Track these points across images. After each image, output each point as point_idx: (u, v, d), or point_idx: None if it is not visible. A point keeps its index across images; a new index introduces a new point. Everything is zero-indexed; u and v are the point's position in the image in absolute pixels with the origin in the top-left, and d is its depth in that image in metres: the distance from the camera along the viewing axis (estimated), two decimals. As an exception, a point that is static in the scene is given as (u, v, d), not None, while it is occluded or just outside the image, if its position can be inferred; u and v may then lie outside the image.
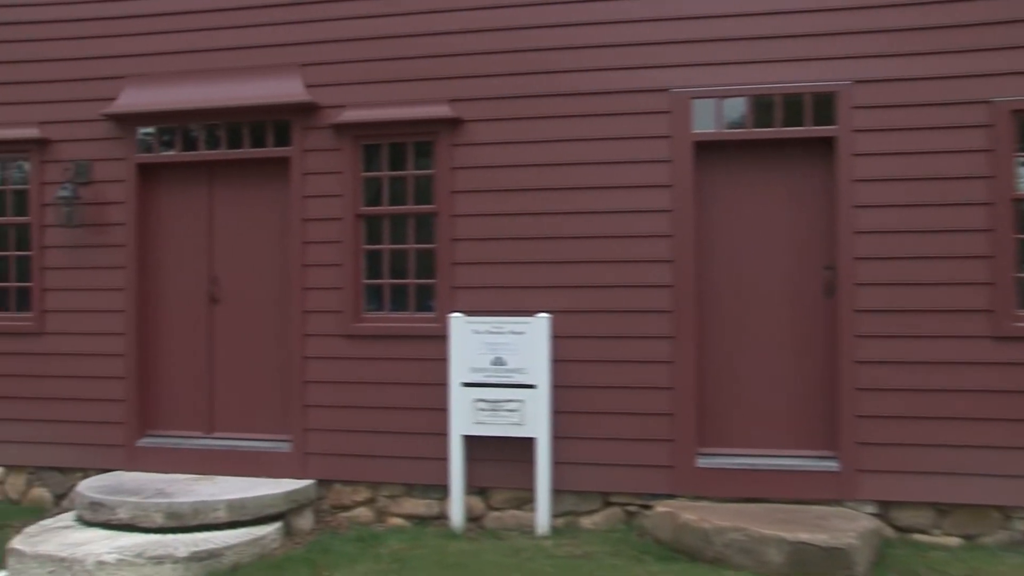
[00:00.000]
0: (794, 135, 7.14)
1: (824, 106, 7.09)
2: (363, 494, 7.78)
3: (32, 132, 8.40)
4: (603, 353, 7.36)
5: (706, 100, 7.25)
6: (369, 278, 7.87)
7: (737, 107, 7.21)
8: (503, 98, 7.59)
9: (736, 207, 7.35)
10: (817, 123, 7.11)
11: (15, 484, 8.49)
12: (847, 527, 6.34)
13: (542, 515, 7.20)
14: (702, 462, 7.20)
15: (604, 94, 7.41)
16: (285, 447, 7.90)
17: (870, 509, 6.96)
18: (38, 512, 8.14)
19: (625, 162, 7.34)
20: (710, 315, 7.38)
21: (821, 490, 7.00)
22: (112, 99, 8.30)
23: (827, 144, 7.15)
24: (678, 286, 7.24)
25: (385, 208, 7.78)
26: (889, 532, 6.94)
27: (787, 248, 7.30)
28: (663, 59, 7.32)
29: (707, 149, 7.33)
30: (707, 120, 7.24)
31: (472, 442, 7.45)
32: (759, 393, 7.32)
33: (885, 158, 6.99)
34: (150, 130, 8.23)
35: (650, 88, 7.33)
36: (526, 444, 7.33)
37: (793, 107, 7.15)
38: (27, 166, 8.52)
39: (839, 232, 7.03)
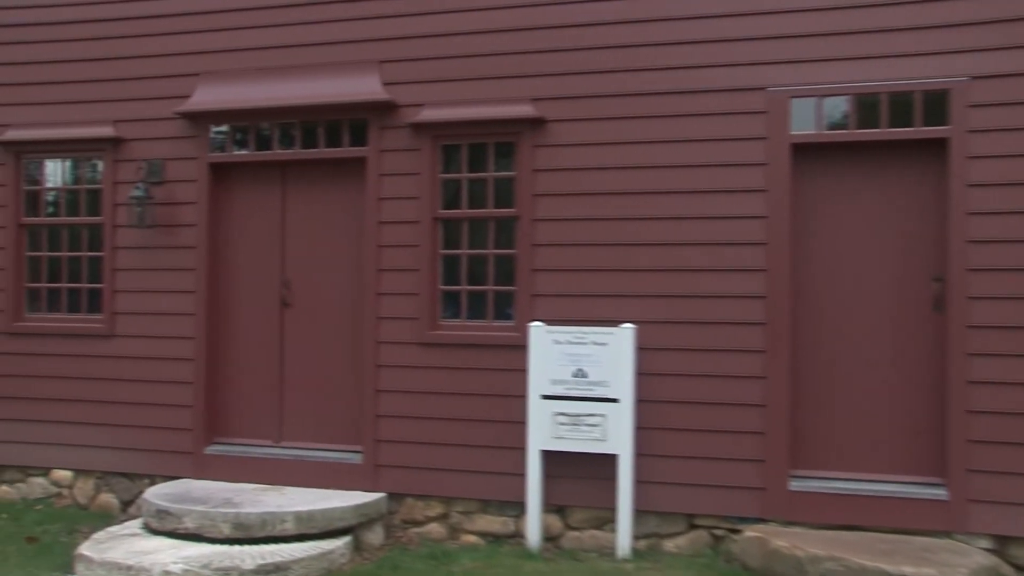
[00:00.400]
0: (902, 136, 6.77)
1: (936, 105, 6.72)
2: (436, 509, 7.61)
3: (107, 131, 8.40)
4: (690, 367, 7.08)
5: (806, 99, 6.92)
6: (446, 284, 7.70)
7: (839, 107, 6.88)
8: (588, 97, 7.36)
9: (836, 214, 7.01)
10: (928, 123, 6.73)
11: (84, 489, 8.49)
12: (958, 562, 5.96)
13: (623, 536, 6.96)
14: (795, 485, 6.87)
15: (696, 93, 7.13)
16: (356, 458, 7.77)
17: (984, 544, 6.54)
18: (105, 518, 8.13)
19: (717, 165, 7.06)
20: (806, 328, 7.05)
21: (926, 520, 6.61)
22: (186, 97, 8.27)
23: (938, 146, 6.77)
24: (772, 297, 6.92)
25: (464, 211, 7.62)
26: (1008, 571, 6.44)
27: (892, 258, 6.93)
28: (760, 56, 7.02)
29: (806, 152, 7.01)
30: (806, 121, 6.92)
31: (551, 457, 7.23)
32: (858, 413, 6.96)
33: (1005, 160, 6.59)
34: (223, 129, 8.17)
35: (746, 87, 7.03)
36: (607, 461, 7.10)
37: (901, 106, 6.79)
38: (101, 165, 8.53)
39: (950, 241, 6.64)
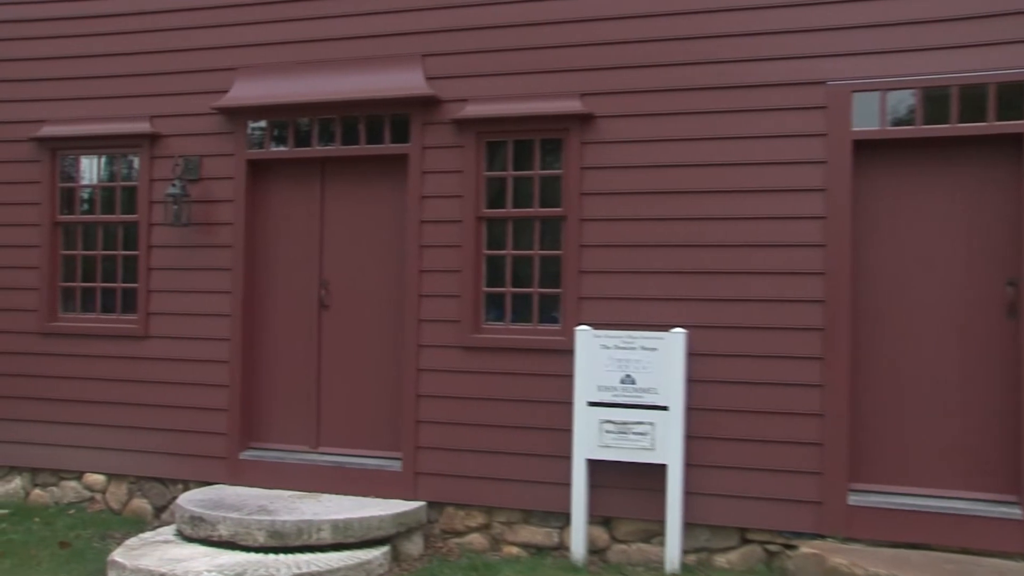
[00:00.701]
0: (973, 132, 6.49)
1: (1011, 97, 6.43)
2: (477, 519, 7.44)
3: (143, 126, 8.34)
4: (743, 374, 6.86)
5: (868, 94, 6.67)
6: (490, 286, 7.55)
7: (905, 101, 6.62)
8: (639, 92, 7.17)
9: (900, 214, 6.75)
10: (1002, 117, 6.45)
11: (116, 493, 8.43)
12: (1031, 583, 5.71)
13: (672, 550, 6.75)
14: (854, 499, 6.61)
15: (752, 88, 6.91)
16: (395, 465, 7.63)
17: (1058, 564, 6.28)
18: (138, 524, 8.07)
19: (773, 163, 6.83)
20: (867, 334, 6.80)
21: (999, 540, 6.31)
22: (223, 92, 8.18)
23: (1015, 141, 6.48)
24: (831, 301, 6.68)
25: (508, 211, 7.46)
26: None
27: (961, 261, 6.66)
28: (820, 48, 6.79)
29: (868, 149, 6.76)
30: (869, 116, 6.66)
31: (597, 467, 7.05)
32: (923, 424, 6.69)
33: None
34: (261, 124, 8.07)
35: (804, 81, 6.80)
36: (656, 471, 6.90)
37: (973, 100, 6.51)
38: (136, 162, 8.47)
39: (1025, 243, 6.40)
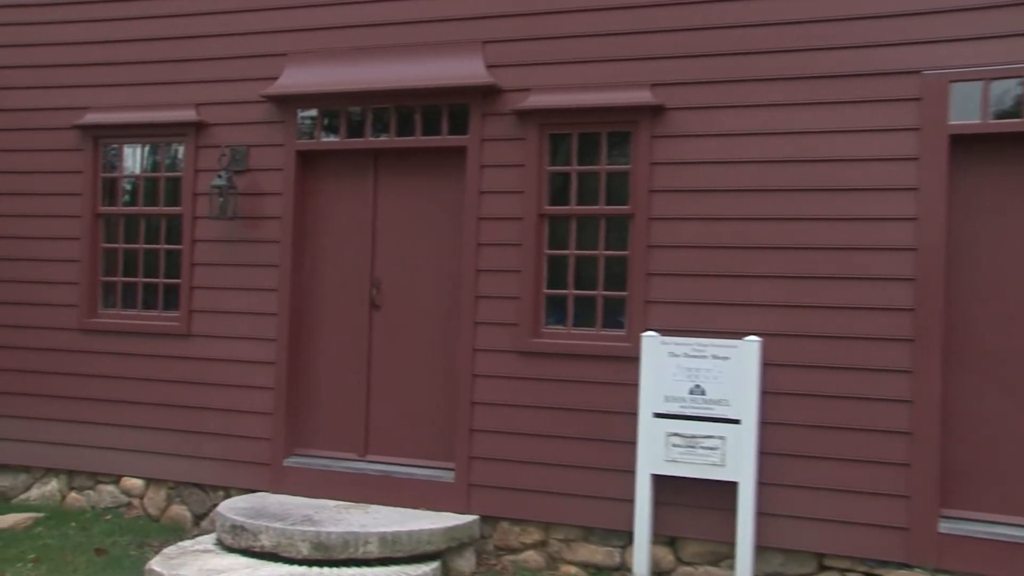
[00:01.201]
0: (1083, 127, 6.13)
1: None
2: (533, 535, 7.19)
3: (189, 115, 8.19)
4: (823, 386, 6.51)
5: (968, 84, 6.28)
6: (550, 287, 7.29)
7: (1010, 92, 6.21)
8: (714, 82, 6.85)
9: (1002, 216, 6.35)
10: (1115, 113, 6.07)
11: (155, 499, 8.28)
12: None
13: (742, 574, 6.45)
14: (946, 527, 6.23)
15: (836, 78, 6.57)
16: (447, 476, 7.40)
17: None
18: (177, 531, 7.92)
19: (860, 159, 6.48)
20: (961, 347, 6.41)
21: (1104, 572, 5.93)
22: (273, 79, 7.99)
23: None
24: (921, 310, 6.30)
25: (572, 208, 7.19)
26: None
27: (1064, 268, 6.29)
28: (914, 34, 6.41)
29: (967, 144, 6.37)
30: (969, 109, 6.27)
31: (662, 483, 6.75)
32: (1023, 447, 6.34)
33: None
34: (312, 114, 7.88)
35: (897, 70, 6.43)
36: (726, 489, 6.58)
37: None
38: (182, 151, 8.32)
39: None
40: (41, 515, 8.19)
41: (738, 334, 6.67)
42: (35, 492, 8.69)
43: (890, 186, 6.41)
